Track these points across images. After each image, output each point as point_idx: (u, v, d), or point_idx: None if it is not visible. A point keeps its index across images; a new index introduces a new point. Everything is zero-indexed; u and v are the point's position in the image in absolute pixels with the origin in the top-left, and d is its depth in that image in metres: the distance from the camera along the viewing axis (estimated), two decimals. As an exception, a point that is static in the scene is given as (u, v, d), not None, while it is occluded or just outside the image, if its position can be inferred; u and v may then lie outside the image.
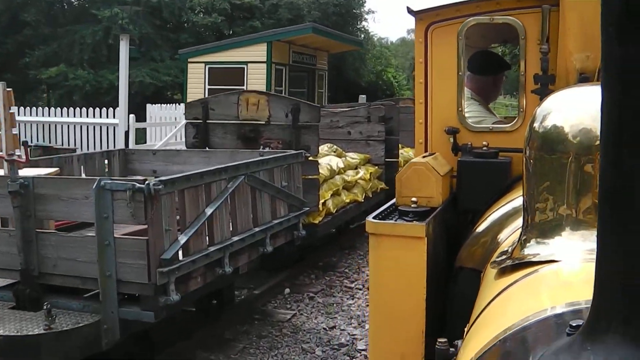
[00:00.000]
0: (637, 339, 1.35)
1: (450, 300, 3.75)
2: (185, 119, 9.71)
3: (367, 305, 7.87)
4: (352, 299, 9.26)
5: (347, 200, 10.58)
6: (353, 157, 11.68)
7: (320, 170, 9.36)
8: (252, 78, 23.37)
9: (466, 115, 4.59)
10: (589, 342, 1.43)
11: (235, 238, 6.27)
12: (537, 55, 4.29)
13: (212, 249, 5.83)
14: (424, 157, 4.24)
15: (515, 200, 3.64)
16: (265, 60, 23.37)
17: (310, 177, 8.78)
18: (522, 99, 4.46)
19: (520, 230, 2.71)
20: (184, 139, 17.63)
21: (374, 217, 3.67)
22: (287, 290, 9.39)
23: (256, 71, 23.44)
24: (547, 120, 2.40)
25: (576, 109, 2.40)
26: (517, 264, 2.44)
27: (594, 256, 2.13)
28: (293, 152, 7.96)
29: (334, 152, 11.37)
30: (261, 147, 8.92)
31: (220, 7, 36.52)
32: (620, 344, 1.36)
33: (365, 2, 46.56)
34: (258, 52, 23.56)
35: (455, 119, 4.54)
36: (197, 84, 24.16)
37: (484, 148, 4.31)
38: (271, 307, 8.81)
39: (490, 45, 6.18)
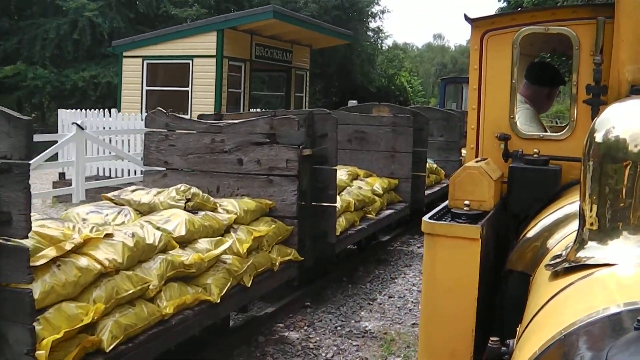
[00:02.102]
0: None
1: (499, 301, 3.86)
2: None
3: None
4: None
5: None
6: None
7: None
8: (199, 77, 19.02)
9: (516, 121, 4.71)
10: None
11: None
12: (590, 66, 4.38)
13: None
14: (477, 161, 4.35)
15: (565, 207, 3.74)
16: (214, 53, 18.84)
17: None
18: (574, 109, 4.55)
19: (572, 235, 2.80)
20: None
21: (430, 218, 3.79)
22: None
23: (204, 67, 19.00)
24: (607, 130, 2.49)
25: (634, 119, 2.49)
26: (572, 266, 2.54)
27: (650, 260, 2.26)
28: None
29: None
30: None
31: (201, -1, 32.36)
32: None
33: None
34: (206, 43, 19.03)
35: (507, 125, 4.64)
36: (133, 83, 19.88)
37: (535, 155, 4.41)
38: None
39: (540, 54, 6.26)
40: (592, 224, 2.55)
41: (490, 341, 2.78)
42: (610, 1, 4.40)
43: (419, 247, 11.80)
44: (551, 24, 4.53)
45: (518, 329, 2.71)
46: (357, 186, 9.71)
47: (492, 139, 4.66)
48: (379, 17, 44.06)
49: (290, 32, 20.92)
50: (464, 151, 15.44)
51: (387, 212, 10.44)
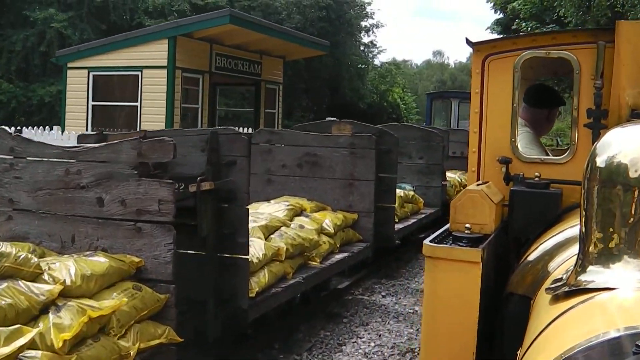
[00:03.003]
0: None
1: (499, 324, 3.86)
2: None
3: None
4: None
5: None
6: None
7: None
8: (149, 90, 16.79)
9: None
10: None
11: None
12: (591, 90, 4.41)
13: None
14: (478, 185, 4.37)
15: (566, 230, 3.75)
16: (165, 64, 16.59)
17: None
18: (574, 133, 4.57)
19: (573, 258, 2.81)
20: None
21: (431, 241, 3.80)
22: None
23: (154, 80, 16.75)
24: (607, 154, 2.51)
25: (635, 144, 2.51)
26: (573, 290, 2.54)
27: (650, 285, 2.26)
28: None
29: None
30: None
31: (179, 9, 30.49)
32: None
33: (368, 11, 39.98)
34: (156, 52, 16.75)
35: (509, 149, 4.67)
36: (77, 98, 17.74)
37: (536, 179, 4.43)
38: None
39: (541, 78, 6.30)
40: (592, 248, 2.56)
41: None
42: (610, 26, 4.45)
43: (383, 296, 9.87)
44: (552, 48, 4.58)
45: (519, 352, 2.71)
46: (297, 225, 7.70)
47: (494, 162, 4.68)
48: (372, 32, 41.62)
49: (258, 42, 18.66)
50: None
51: (340, 256, 8.36)
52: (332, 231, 8.28)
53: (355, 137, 9.04)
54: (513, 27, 23.72)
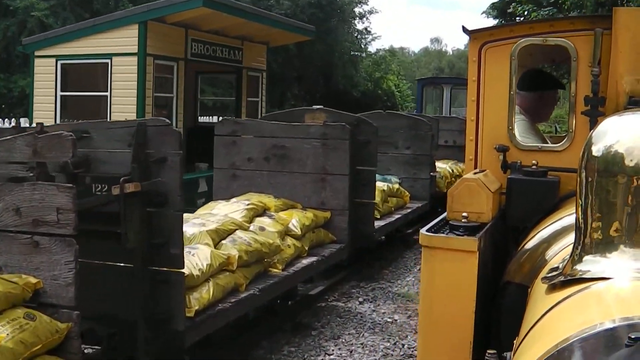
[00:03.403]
0: None
1: (496, 313, 3.86)
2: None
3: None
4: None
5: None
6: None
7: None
8: (119, 79, 15.66)
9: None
10: None
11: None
12: (588, 78, 4.40)
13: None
14: (475, 173, 4.36)
15: (563, 218, 3.75)
16: (136, 51, 15.32)
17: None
18: (572, 120, 4.56)
19: (570, 247, 2.80)
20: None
21: (427, 230, 3.80)
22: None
23: (124, 68, 15.52)
24: (603, 143, 2.50)
25: (631, 133, 2.50)
26: (569, 280, 2.54)
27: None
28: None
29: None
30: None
31: (164, -6, 29.06)
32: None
33: None
34: (126, 38, 15.57)
35: (506, 137, 4.66)
36: (46, 88, 16.56)
37: (533, 167, 4.42)
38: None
39: (539, 65, 6.28)
40: (588, 238, 2.55)
41: (487, 354, 2.79)
42: (607, 13, 4.42)
43: (360, 303, 8.98)
44: (549, 36, 4.55)
45: (515, 341, 2.71)
46: (257, 227, 6.83)
47: (491, 151, 4.67)
48: (366, 18, 39.93)
49: (238, 27, 17.25)
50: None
51: (307, 261, 7.43)
52: (299, 232, 7.39)
53: (327, 127, 8.19)
54: (509, 11, 23.02)
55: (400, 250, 12.13)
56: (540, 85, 5.43)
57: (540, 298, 2.77)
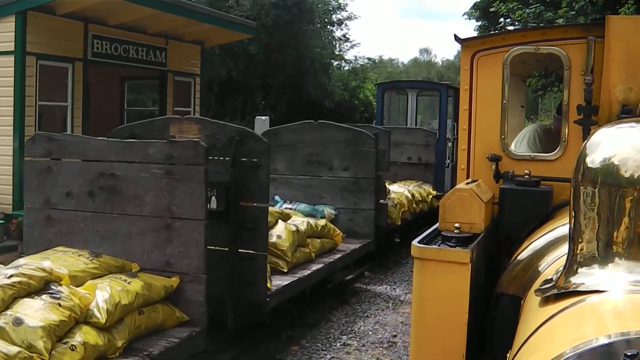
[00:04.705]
0: None
1: (489, 325, 3.81)
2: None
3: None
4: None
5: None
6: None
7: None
8: None
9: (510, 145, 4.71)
10: None
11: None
12: (581, 86, 4.37)
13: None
14: (467, 183, 4.32)
15: (557, 229, 3.71)
16: (12, 48, 12.31)
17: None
18: (565, 129, 4.53)
19: (564, 258, 2.76)
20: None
21: (419, 242, 3.75)
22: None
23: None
24: (597, 154, 2.47)
25: (625, 143, 2.46)
26: (562, 292, 2.50)
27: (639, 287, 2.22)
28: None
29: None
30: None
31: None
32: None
33: (341, 3, 35.45)
34: (1, 34, 12.43)
35: (498, 146, 4.63)
36: None
37: (526, 176, 4.38)
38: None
39: (532, 74, 6.26)
40: (581, 249, 2.51)
41: None
42: (600, 21, 4.40)
43: None
44: (541, 44, 4.53)
45: (508, 355, 2.67)
46: (12, 319, 4.16)
47: (483, 160, 4.64)
48: (345, 25, 36.55)
49: (158, 21, 14.28)
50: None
51: None
52: (104, 320, 4.52)
53: (174, 146, 5.50)
54: (491, 10, 21.85)
55: (326, 310, 8.71)
56: None
57: (533, 311, 2.73)
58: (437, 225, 4.09)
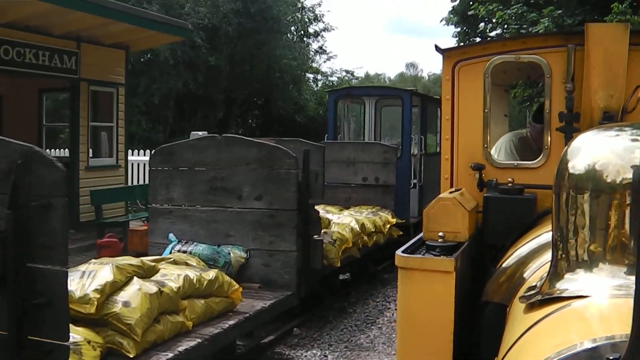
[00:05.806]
0: None
1: (475, 334, 3.81)
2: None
3: None
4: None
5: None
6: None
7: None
8: None
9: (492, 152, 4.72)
10: None
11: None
12: (562, 94, 4.40)
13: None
14: (450, 192, 4.32)
15: (540, 236, 3.71)
16: None
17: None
18: (547, 137, 4.55)
19: (547, 265, 2.77)
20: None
21: (403, 251, 3.75)
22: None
23: None
24: (577, 160, 2.47)
25: (605, 149, 2.47)
26: (546, 298, 2.50)
27: (623, 292, 2.22)
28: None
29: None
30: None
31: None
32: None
33: (318, 14, 33.65)
34: None
35: (481, 155, 4.64)
36: None
37: (509, 184, 4.39)
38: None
39: (513, 82, 6.30)
40: (564, 255, 2.52)
41: None
42: (580, 29, 4.43)
43: None
44: (522, 53, 4.56)
45: None
46: None
47: (467, 169, 4.65)
48: (321, 36, 34.65)
49: (70, 21, 12.08)
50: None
51: None
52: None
53: None
54: (470, 13, 20.76)
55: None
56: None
57: (518, 317, 2.73)
58: (421, 234, 4.09)
